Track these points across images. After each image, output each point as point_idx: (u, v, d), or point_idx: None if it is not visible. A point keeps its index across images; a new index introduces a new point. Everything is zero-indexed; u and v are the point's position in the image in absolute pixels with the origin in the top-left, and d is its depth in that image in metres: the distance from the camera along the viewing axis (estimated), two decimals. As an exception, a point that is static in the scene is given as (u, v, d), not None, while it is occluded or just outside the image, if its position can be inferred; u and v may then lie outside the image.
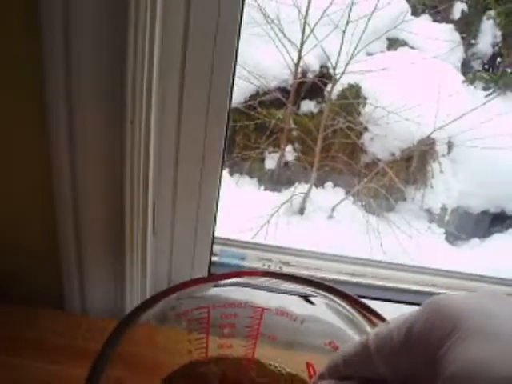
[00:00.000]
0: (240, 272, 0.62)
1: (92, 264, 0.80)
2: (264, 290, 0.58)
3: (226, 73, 0.73)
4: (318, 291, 0.56)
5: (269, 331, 0.60)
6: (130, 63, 0.64)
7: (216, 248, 0.97)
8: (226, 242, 1.01)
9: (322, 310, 0.55)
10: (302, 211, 3.25)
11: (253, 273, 0.59)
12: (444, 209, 3.40)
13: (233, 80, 0.76)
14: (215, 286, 0.59)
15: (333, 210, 3.27)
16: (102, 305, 0.83)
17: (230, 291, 0.58)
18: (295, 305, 0.57)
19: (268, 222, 2.99)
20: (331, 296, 0.54)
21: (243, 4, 0.71)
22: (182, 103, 0.74)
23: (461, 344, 0.30)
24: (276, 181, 3.39)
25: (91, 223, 0.76)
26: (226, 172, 3.32)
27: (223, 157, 0.81)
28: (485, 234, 3.42)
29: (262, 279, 0.58)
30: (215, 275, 0.84)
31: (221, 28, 0.69)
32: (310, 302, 0.56)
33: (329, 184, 3.37)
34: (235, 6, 0.68)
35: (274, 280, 0.58)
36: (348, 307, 0.53)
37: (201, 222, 0.84)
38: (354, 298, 0.52)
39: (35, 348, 0.75)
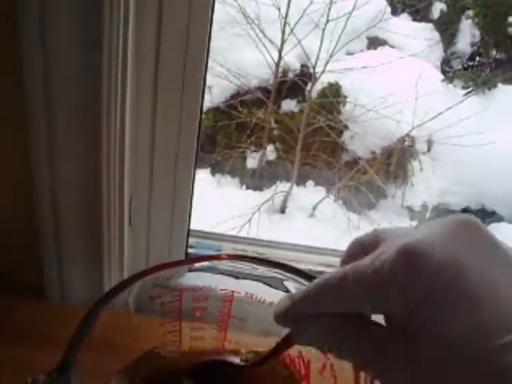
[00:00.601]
0: (212, 256, 0.63)
1: (71, 255, 0.80)
2: (235, 275, 0.59)
3: (199, 68, 0.74)
4: (284, 273, 0.56)
5: (239, 315, 0.61)
6: (105, 57, 0.65)
7: (192, 240, 0.98)
8: (202, 235, 1.02)
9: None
10: (283, 210, 3.26)
11: (224, 256, 0.60)
12: (425, 206, 3.42)
13: (205, 75, 0.76)
14: (189, 271, 0.60)
15: (314, 208, 3.28)
16: (81, 295, 0.84)
17: (201, 277, 0.59)
18: (264, 289, 0.58)
19: (249, 220, 3.00)
20: (298, 278, 0.55)
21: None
22: (156, 97, 0.75)
23: (434, 308, 0.31)
24: (257, 180, 3.40)
25: (70, 215, 0.77)
26: (207, 171, 3.32)
27: (197, 150, 0.82)
28: (465, 230, 3.44)
29: (233, 264, 0.59)
30: (188, 259, 0.85)
31: (193, 19, 0.70)
32: (277, 286, 0.57)
33: (310, 183, 3.38)
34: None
35: (243, 264, 0.59)
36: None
37: (177, 215, 0.85)
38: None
39: (15, 335, 0.76)
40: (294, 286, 0.56)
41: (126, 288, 0.54)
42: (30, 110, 0.68)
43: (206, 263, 0.60)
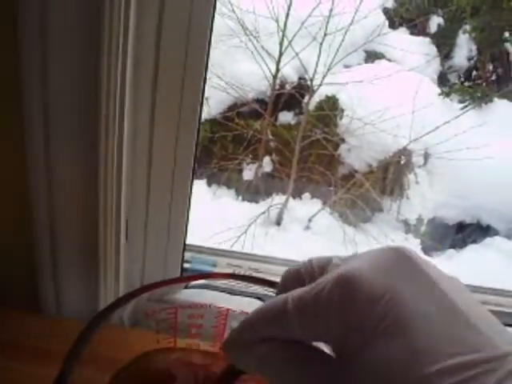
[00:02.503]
0: (208, 274, 0.64)
1: (67, 269, 0.81)
2: (228, 292, 0.60)
3: (198, 80, 0.74)
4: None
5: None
6: (104, 60, 0.66)
7: (188, 255, 0.98)
8: (198, 249, 1.02)
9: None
10: (279, 222, 3.26)
11: (219, 274, 0.61)
12: (420, 219, 3.43)
13: (203, 89, 0.77)
14: (185, 287, 0.61)
15: (310, 220, 3.28)
16: (76, 309, 0.84)
17: (196, 293, 0.60)
18: (259, 304, 0.59)
19: (245, 232, 3.00)
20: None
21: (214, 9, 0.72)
22: (154, 110, 0.75)
23: (365, 336, 0.31)
24: (254, 192, 3.41)
25: (66, 229, 0.77)
26: (203, 182, 3.33)
27: (194, 165, 0.82)
28: (461, 244, 3.45)
29: (228, 281, 0.60)
30: (184, 277, 0.86)
31: (193, 29, 0.70)
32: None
33: (306, 195, 3.38)
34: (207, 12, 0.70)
35: (238, 282, 0.59)
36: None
37: (173, 229, 0.85)
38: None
39: (9, 349, 0.76)
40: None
41: (122, 305, 0.55)
42: (28, 123, 0.69)
43: (201, 281, 0.60)
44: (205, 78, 0.76)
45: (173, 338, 0.61)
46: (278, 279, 0.88)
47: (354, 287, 0.32)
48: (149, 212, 0.83)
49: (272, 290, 0.58)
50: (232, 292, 0.60)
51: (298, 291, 0.35)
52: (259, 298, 0.59)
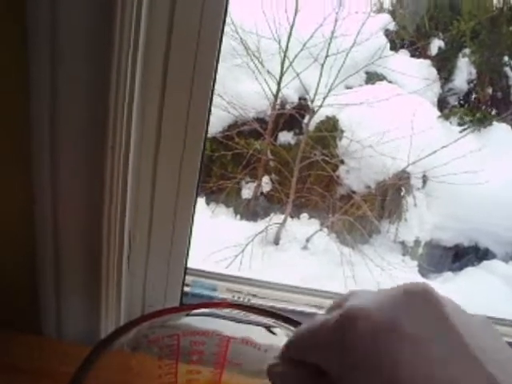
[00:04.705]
0: (208, 303, 0.65)
1: (69, 291, 0.81)
2: (230, 320, 0.61)
3: (203, 105, 0.75)
4: (278, 322, 0.58)
5: (235, 359, 0.62)
6: (112, 89, 0.66)
7: (189, 279, 0.99)
8: (199, 273, 1.02)
9: (284, 339, 0.57)
10: (277, 241, 3.27)
11: (220, 304, 0.62)
12: (417, 242, 3.43)
13: (209, 114, 0.78)
14: (186, 315, 0.61)
15: (307, 241, 3.29)
16: (77, 330, 0.84)
17: (198, 321, 0.61)
18: (259, 335, 0.59)
19: (243, 251, 3.00)
20: (291, 327, 0.57)
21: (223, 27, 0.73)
22: (159, 136, 0.76)
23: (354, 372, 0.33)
24: (252, 211, 3.41)
25: (69, 250, 0.78)
26: (202, 200, 3.33)
27: (197, 189, 0.83)
28: (458, 267, 3.45)
29: (229, 310, 0.61)
30: (185, 305, 0.87)
31: (200, 58, 0.71)
32: (273, 333, 0.59)
33: (304, 215, 3.39)
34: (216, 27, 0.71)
35: (240, 311, 0.60)
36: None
37: (174, 253, 0.86)
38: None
39: (11, 372, 0.76)
40: (283, 332, 0.58)
41: (123, 334, 0.56)
42: (35, 146, 0.69)
43: (202, 310, 0.61)
44: (211, 97, 0.77)
45: (175, 363, 0.61)
46: (278, 304, 0.89)
47: (353, 323, 0.33)
48: (151, 236, 0.84)
49: (270, 319, 0.59)
50: (233, 319, 0.61)
51: (318, 317, 0.38)
52: (260, 325, 0.60)
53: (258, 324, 0.60)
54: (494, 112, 3.82)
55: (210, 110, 0.78)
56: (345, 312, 0.34)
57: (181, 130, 0.76)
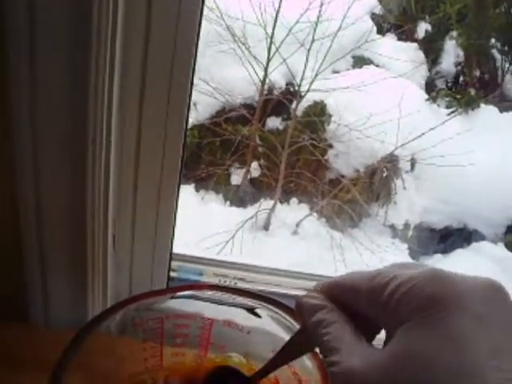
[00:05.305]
0: (193, 285, 0.65)
1: (55, 278, 0.81)
2: (214, 303, 0.61)
3: (184, 92, 0.75)
4: (262, 304, 0.58)
5: (218, 341, 0.62)
6: (91, 80, 0.66)
7: (175, 264, 0.99)
8: (185, 258, 1.03)
9: (267, 321, 0.58)
10: (267, 227, 3.27)
11: (204, 286, 0.62)
12: (407, 224, 3.45)
13: (189, 100, 0.78)
14: (171, 298, 0.62)
15: (297, 226, 3.29)
16: (64, 318, 0.85)
17: (182, 304, 0.61)
18: (242, 317, 0.60)
19: (233, 237, 3.00)
20: (274, 308, 0.57)
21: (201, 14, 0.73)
22: (140, 124, 0.76)
23: (424, 328, 0.32)
24: (241, 197, 3.41)
25: (54, 238, 0.78)
26: (191, 188, 3.33)
27: (180, 175, 0.83)
28: (447, 249, 3.47)
29: (213, 292, 0.61)
30: (170, 288, 0.87)
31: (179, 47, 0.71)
32: (256, 315, 0.59)
33: (294, 200, 3.39)
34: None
35: (223, 293, 0.61)
36: (290, 319, 0.55)
37: (159, 239, 0.86)
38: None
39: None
40: (267, 313, 0.58)
41: (110, 316, 0.56)
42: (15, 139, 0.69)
43: (188, 292, 0.62)
44: (192, 81, 0.77)
45: (159, 346, 0.62)
46: (263, 288, 0.89)
47: (439, 276, 0.34)
48: (135, 222, 0.84)
49: (255, 301, 0.60)
50: (217, 302, 0.61)
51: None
52: (244, 308, 0.60)
53: (241, 306, 0.60)
54: (481, 94, 3.82)
55: (190, 95, 0.78)
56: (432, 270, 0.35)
57: (162, 117, 0.76)
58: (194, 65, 0.75)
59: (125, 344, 0.60)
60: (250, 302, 0.60)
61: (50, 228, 0.77)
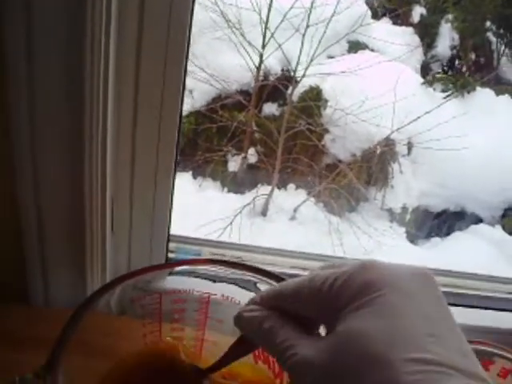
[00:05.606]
0: (190, 260, 0.66)
1: (54, 259, 0.82)
2: (211, 279, 0.62)
3: (178, 67, 0.76)
4: (259, 277, 0.59)
5: (216, 316, 0.63)
6: (87, 65, 0.67)
7: (172, 245, 1.00)
8: (182, 240, 1.03)
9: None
10: (264, 213, 3.28)
11: (202, 260, 0.63)
12: (405, 208, 3.45)
13: (184, 80, 0.78)
14: (169, 274, 0.62)
15: (295, 211, 3.30)
16: (65, 300, 0.85)
17: (180, 280, 0.62)
18: (239, 292, 0.61)
19: (231, 223, 3.01)
20: (271, 281, 0.58)
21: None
22: (136, 105, 0.76)
23: (360, 310, 0.34)
24: (239, 183, 3.41)
25: (53, 220, 0.78)
26: (189, 175, 3.33)
27: (176, 157, 0.83)
28: (445, 232, 3.48)
29: (208, 267, 0.62)
30: (167, 263, 0.88)
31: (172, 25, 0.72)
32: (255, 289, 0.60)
33: (291, 186, 3.39)
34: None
35: (220, 268, 0.61)
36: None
37: (157, 220, 0.87)
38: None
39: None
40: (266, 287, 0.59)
41: (109, 291, 0.57)
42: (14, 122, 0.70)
43: (185, 267, 0.62)
44: (185, 68, 0.77)
45: (158, 322, 0.62)
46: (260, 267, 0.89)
47: (370, 267, 0.37)
48: (133, 204, 0.84)
49: (252, 274, 0.60)
50: (214, 279, 0.62)
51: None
52: (239, 285, 0.61)
53: (238, 281, 0.61)
54: (477, 77, 3.82)
55: (184, 80, 0.79)
56: (362, 262, 0.38)
57: (157, 99, 0.76)
58: (188, 47, 0.76)
59: (123, 321, 0.61)
60: (248, 276, 0.61)
61: (50, 210, 0.77)
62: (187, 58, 0.76)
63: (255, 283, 0.60)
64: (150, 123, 0.78)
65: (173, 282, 0.62)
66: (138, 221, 0.87)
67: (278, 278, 0.58)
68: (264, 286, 0.59)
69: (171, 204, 0.88)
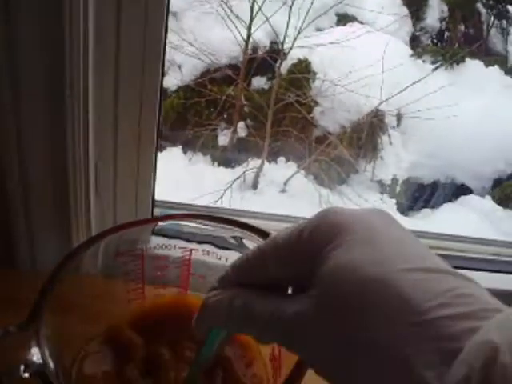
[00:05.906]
0: (175, 215, 0.66)
1: (39, 223, 0.82)
2: (193, 239, 0.62)
3: (158, 41, 0.76)
4: (245, 232, 0.59)
5: (198, 271, 0.63)
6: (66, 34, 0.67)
7: (157, 211, 1.00)
8: (167, 205, 1.03)
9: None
10: (255, 186, 3.28)
11: (187, 215, 0.63)
12: (395, 180, 3.46)
13: (164, 51, 0.78)
14: (152, 233, 0.63)
15: (285, 183, 3.30)
16: (51, 261, 0.86)
17: (162, 240, 0.62)
18: (222, 246, 0.61)
19: (221, 197, 3.01)
20: (258, 237, 0.58)
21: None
22: (118, 65, 0.76)
23: (338, 248, 0.34)
24: (229, 157, 3.41)
25: (37, 184, 0.79)
26: (179, 149, 3.32)
27: (159, 119, 0.84)
28: (435, 203, 3.49)
29: (192, 223, 0.62)
30: (151, 218, 0.88)
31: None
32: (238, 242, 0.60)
33: (281, 159, 3.39)
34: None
35: (206, 222, 0.62)
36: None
37: (141, 182, 0.87)
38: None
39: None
40: (251, 243, 0.59)
41: (94, 244, 0.57)
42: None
43: (169, 222, 0.63)
44: (165, 43, 0.77)
45: (141, 279, 0.63)
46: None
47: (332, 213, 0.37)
48: (117, 166, 0.85)
49: (237, 229, 0.61)
50: (199, 234, 0.62)
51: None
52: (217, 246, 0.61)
53: (219, 241, 0.62)
54: (466, 49, 3.81)
55: (165, 46, 0.79)
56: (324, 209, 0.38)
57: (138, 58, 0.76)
58: (167, 21, 0.76)
59: (106, 281, 0.62)
60: (232, 230, 0.61)
61: (34, 174, 0.78)
62: (167, 27, 0.76)
63: (241, 238, 0.61)
64: (131, 84, 0.78)
65: (155, 242, 0.63)
66: (123, 184, 0.87)
67: (263, 232, 0.58)
68: (250, 243, 0.60)
69: (155, 166, 0.88)
